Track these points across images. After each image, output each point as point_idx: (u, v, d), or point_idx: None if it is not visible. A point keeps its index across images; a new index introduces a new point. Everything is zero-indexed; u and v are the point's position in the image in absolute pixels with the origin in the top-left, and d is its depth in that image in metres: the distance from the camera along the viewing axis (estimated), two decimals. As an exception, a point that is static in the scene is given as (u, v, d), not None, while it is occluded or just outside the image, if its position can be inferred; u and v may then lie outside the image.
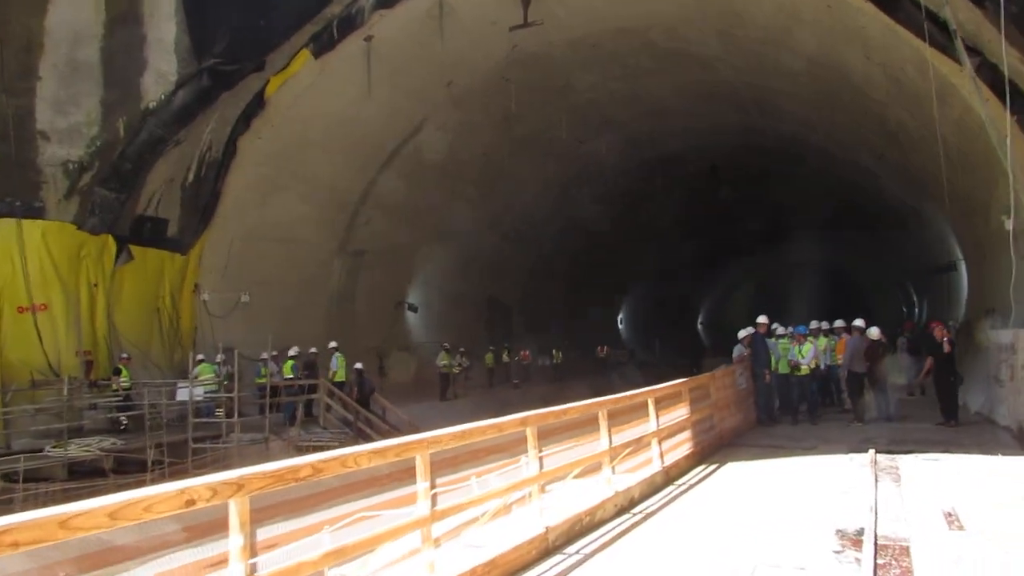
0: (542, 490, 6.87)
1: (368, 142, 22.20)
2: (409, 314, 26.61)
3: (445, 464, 6.53)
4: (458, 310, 29.84)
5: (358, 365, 19.88)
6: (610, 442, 7.94)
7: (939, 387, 12.45)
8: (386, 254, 25.51)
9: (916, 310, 38.47)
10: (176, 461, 13.66)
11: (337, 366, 18.81)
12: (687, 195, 35.62)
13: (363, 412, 17.27)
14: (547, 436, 7.45)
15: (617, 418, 8.61)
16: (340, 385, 18.37)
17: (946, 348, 12.23)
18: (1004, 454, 9.68)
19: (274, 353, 19.46)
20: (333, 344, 19.37)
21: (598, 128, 26.76)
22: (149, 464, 13.26)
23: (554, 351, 31.63)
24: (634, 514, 7.77)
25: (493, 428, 6.25)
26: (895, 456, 9.89)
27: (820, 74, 19.05)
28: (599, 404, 7.92)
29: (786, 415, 14.22)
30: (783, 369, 13.92)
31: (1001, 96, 12.56)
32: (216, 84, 17.56)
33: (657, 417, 9.12)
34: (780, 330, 15.19)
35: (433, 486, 5.01)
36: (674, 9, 18.72)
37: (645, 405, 9.07)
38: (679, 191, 34.68)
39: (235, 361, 15.92)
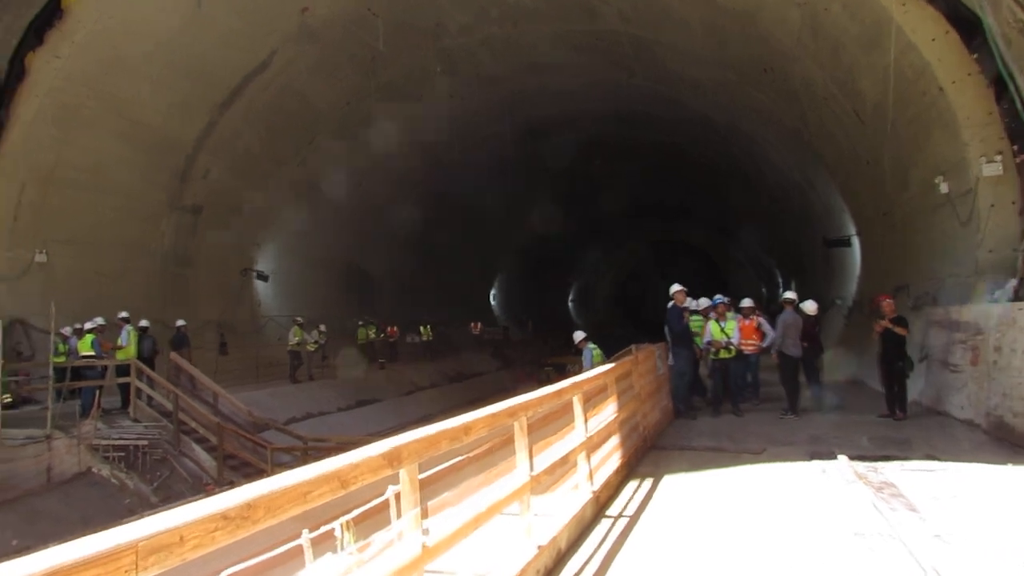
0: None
1: (203, 75, 17.77)
2: (258, 283, 22.31)
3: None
4: (318, 280, 25.72)
5: (143, 323, 15.92)
6: (531, 469, 4.79)
7: (886, 373, 10.18)
8: (231, 212, 21.10)
9: (781, 290, 37.92)
10: None
11: (128, 341, 14.45)
12: (561, 165, 33.01)
13: (183, 398, 13.17)
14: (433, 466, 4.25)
15: (536, 429, 5.54)
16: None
17: (899, 330, 9.92)
18: (1000, 461, 7.36)
19: (77, 326, 15.23)
20: (123, 314, 15.10)
21: (471, 82, 23.40)
22: None
23: (423, 327, 28.13)
24: (566, 582, 4.72)
25: (327, 482, 2.87)
26: (875, 465, 7.36)
27: (721, 23, 16.61)
28: (513, 412, 4.68)
29: (704, 405, 11.66)
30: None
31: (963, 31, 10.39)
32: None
33: (586, 422, 6.09)
34: (691, 304, 12.55)
35: None
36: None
37: (570, 406, 6.00)
38: (553, 160, 31.91)
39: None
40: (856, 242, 19.13)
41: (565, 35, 20.73)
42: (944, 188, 11.97)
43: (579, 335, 13.51)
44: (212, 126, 19.08)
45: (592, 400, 6.66)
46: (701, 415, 11.10)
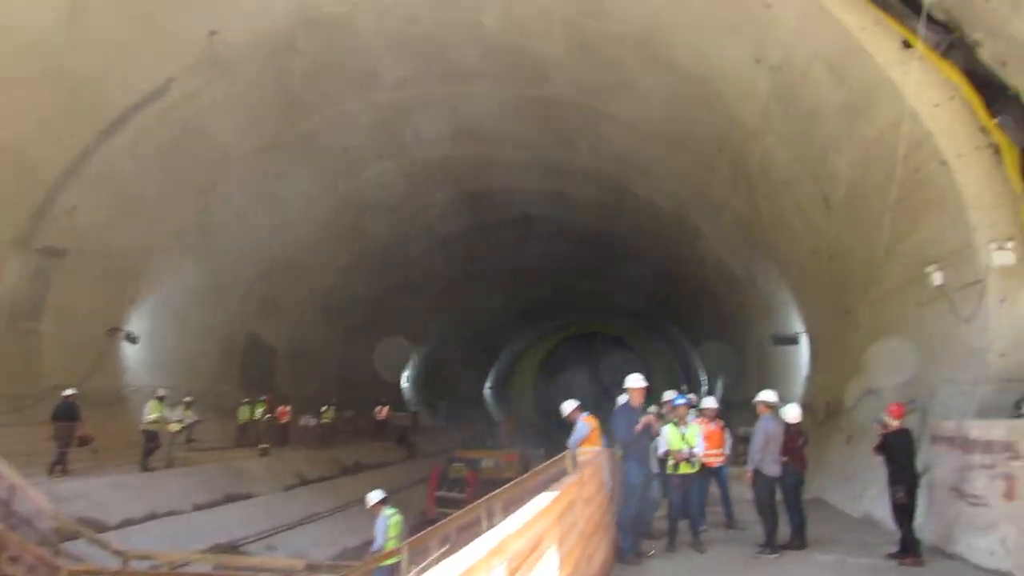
0: None
1: (80, 93, 14.73)
2: (126, 346, 18.64)
3: None
4: (205, 348, 22.07)
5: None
6: None
7: (899, 501, 7.80)
8: (102, 259, 17.58)
9: (703, 389, 36.21)
10: None
11: None
12: (491, 244, 30.86)
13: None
14: None
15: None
16: None
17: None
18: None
19: None
20: None
21: (404, 143, 21.09)
22: None
23: (324, 408, 24.58)
24: None
25: None
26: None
27: (681, 92, 14.93)
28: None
29: (651, 537, 8.93)
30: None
31: (985, 90, 8.67)
32: None
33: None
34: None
35: None
36: (520, -24, 13.81)
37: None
38: (484, 238, 29.82)
39: None
40: (805, 341, 17.33)
41: (512, 101, 18.75)
42: (938, 280, 10.09)
43: (374, 497, 10.72)
44: (87, 155, 15.90)
45: (519, 570, 3.87)
46: (649, 551, 8.35)
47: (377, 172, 22.30)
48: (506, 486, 7.88)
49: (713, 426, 9.50)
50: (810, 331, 16.99)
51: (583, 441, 8.18)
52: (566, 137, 20.19)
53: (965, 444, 8.18)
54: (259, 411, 21.17)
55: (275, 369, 25.53)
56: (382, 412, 28.24)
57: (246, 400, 21.40)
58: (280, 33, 15.60)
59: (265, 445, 19.31)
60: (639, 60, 14.75)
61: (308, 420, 23.42)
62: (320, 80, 17.35)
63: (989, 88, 8.47)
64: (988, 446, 7.72)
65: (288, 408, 22.36)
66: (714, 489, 9.97)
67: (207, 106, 17.01)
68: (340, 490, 18.17)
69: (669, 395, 10.42)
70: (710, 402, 9.86)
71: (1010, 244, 8.92)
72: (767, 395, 8.79)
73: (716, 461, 9.35)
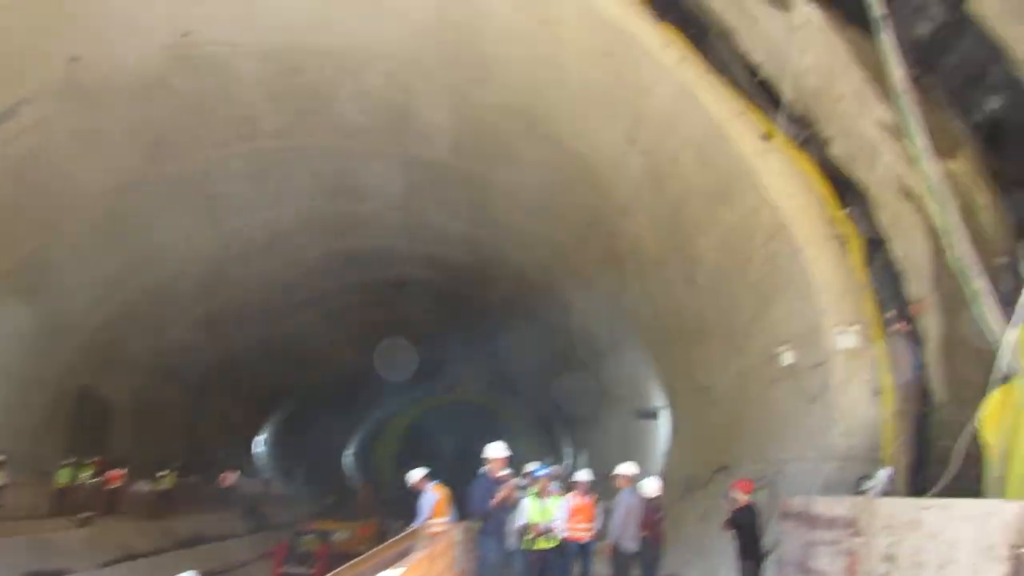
0: None
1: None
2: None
3: None
4: (27, 402, 19.58)
5: None
6: None
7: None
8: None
9: (567, 462, 36.38)
10: None
11: None
12: (363, 306, 30.12)
13: None
14: None
15: None
16: None
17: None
18: None
19: None
20: None
21: (278, 195, 20.31)
22: None
23: (162, 473, 22.29)
24: None
25: None
26: None
27: (560, 166, 15.32)
28: None
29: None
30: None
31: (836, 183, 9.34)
32: None
33: None
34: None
35: None
36: (406, 37, 13.73)
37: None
38: (356, 299, 29.07)
39: None
40: (666, 416, 17.74)
41: (392, 162, 18.48)
42: (788, 360, 10.59)
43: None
44: (-97, 176, 14.16)
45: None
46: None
47: (245, 223, 21.28)
48: (353, 561, 7.23)
49: (587, 499, 9.29)
50: (671, 406, 17.42)
51: (430, 512, 7.75)
52: (446, 201, 20.20)
53: (811, 520, 8.38)
54: (84, 474, 18.89)
55: (112, 428, 23.15)
56: (228, 479, 26.11)
57: (70, 461, 19.07)
58: (151, 67, 14.69)
59: (87, 514, 17.13)
60: (521, 131, 15.05)
61: (142, 486, 21.18)
62: (193, 121, 16.43)
63: (840, 181, 9.15)
64: (832, 522, 7.92)
65: (123, 472, 20.11)
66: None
67: (62, 135, 15.60)
68: (173, 566, 16.31)
69: (531, 466, 10.18)
70: (584, 475, 9.68)
71: (854, 328, 9.50)
72: (626, 468, 8.73)
73: (585, 536, 9.11)
